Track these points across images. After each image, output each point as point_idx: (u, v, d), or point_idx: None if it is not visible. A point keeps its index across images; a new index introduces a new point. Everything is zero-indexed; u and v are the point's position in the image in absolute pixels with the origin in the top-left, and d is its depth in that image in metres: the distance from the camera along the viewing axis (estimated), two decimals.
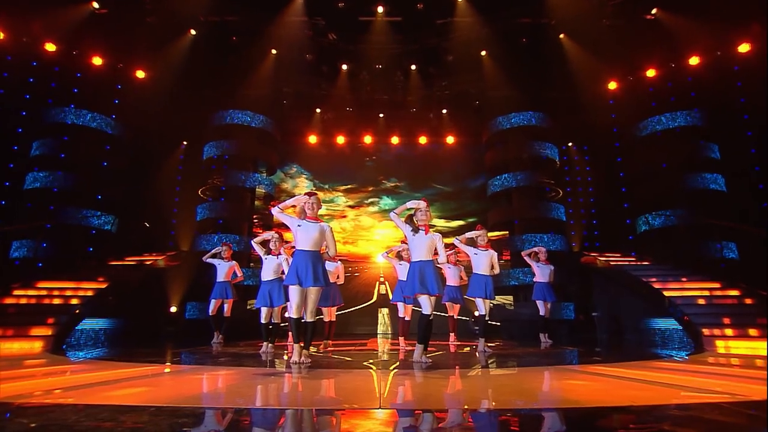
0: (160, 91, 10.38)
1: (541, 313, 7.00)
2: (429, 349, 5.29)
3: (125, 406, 2.28)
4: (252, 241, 5.64)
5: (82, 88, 9.95)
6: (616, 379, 3.24)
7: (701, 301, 7.05)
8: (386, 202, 13.20)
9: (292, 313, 4.05)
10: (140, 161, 10.73)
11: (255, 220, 11.94)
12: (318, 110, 12.95)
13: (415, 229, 4.30)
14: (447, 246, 5.71)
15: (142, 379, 3.36)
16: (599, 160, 11.67)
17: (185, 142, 12.13)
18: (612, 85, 11.31)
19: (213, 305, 6.68)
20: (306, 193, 4.25)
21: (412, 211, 4.41)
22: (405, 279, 5.16)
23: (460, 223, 12.83)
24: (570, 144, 12.47)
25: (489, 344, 5.78)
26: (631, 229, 10.62)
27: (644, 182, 10.33)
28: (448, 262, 6.02)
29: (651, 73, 10.70)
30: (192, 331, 9.29)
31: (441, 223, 12.90)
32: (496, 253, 5.64)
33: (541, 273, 7.03)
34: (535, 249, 7.22)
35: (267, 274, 5.50)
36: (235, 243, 10.09)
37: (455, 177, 13.21)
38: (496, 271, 5.59)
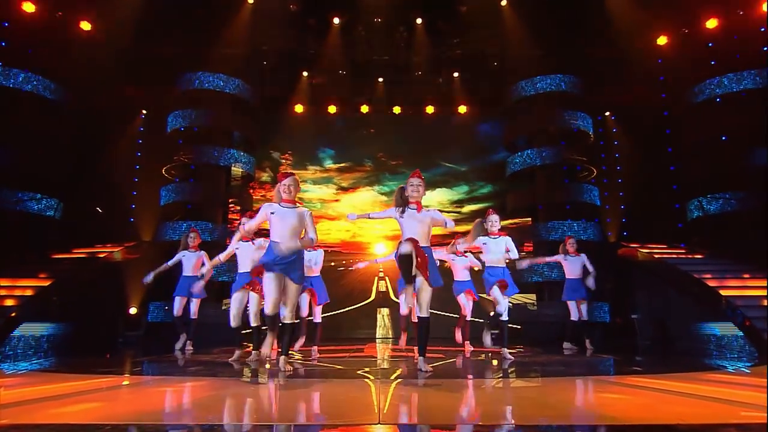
0: (112, 47, 10.20)
1: (573, 317, 7.00)
2: (437, 355, 5.29)
3: (74, 425, 2.27)
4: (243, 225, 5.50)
5: (11, 42, 9.68)
6: (660, 393, 3.24)
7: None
8: (386, 183, 13.15)
9: (267, 308, 4.06)
10: (89, 133, 10.61)
11: (231, 205, 11.90)
12: (305, 74, 12.82)
13: (403, 207, 4.12)
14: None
15: (95, 393, 3.37)
16: (643, 133, 11.56)
17: (144, 111, 12.02)
18: (661, 41, 11.10)
19: (178, 304, 6.64)
20: (282, 174, 4.25)
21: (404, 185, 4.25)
22: None
23: (473, 208, 12.80)
24: (607, 113, 12.37)
25: (509, 350, 5.79)
26: (681, 216, 10.57)
27: (698, 159, 10.21)
28: (454, 252, 5.95)
29: (711, 23, 10.37)
30: (156, 336, 9.33)
31: (451, 208, 12.86)
32: (509, 238, 5.58)
33: (571, 268, 7.00)
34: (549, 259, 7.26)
35: (245, 264, 5.47)
36: (207, 232, 10.06)
37: (468, 154, 13.13)
38: (515, 255, 5.51)
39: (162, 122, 11.13)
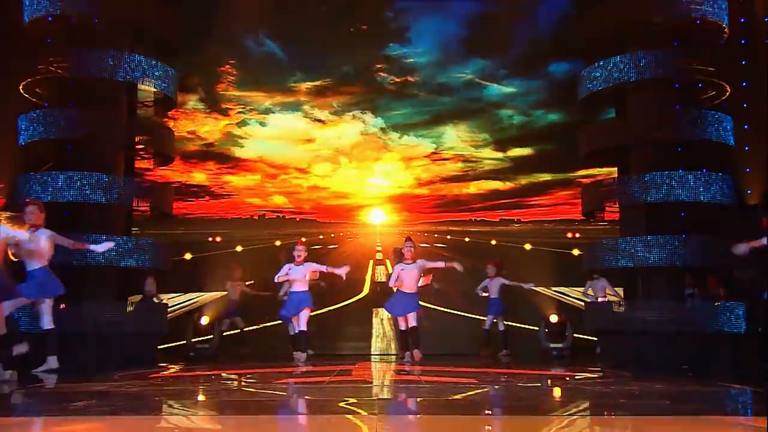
0: None
1: None
2: (462, 379, 5.36)
3: None
4: None
5: None
6: None
7: None
8: (388, 112, 13.05)
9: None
10: None
11: (139, 146, 11.76)
12: None
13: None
14: None
15: None
16: None
17: None
18: None
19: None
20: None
21: None
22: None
23: (523, 152, 12.86)
24: None
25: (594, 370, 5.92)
26: None
27: None
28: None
29: None
30: (31, 354, 9.42)
31: (487, 153, 12.86)
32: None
33: None
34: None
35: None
36: (100, 189, 9.98)
37: (517, 63, 13.14)
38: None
39: (14, 7, 10.87)
